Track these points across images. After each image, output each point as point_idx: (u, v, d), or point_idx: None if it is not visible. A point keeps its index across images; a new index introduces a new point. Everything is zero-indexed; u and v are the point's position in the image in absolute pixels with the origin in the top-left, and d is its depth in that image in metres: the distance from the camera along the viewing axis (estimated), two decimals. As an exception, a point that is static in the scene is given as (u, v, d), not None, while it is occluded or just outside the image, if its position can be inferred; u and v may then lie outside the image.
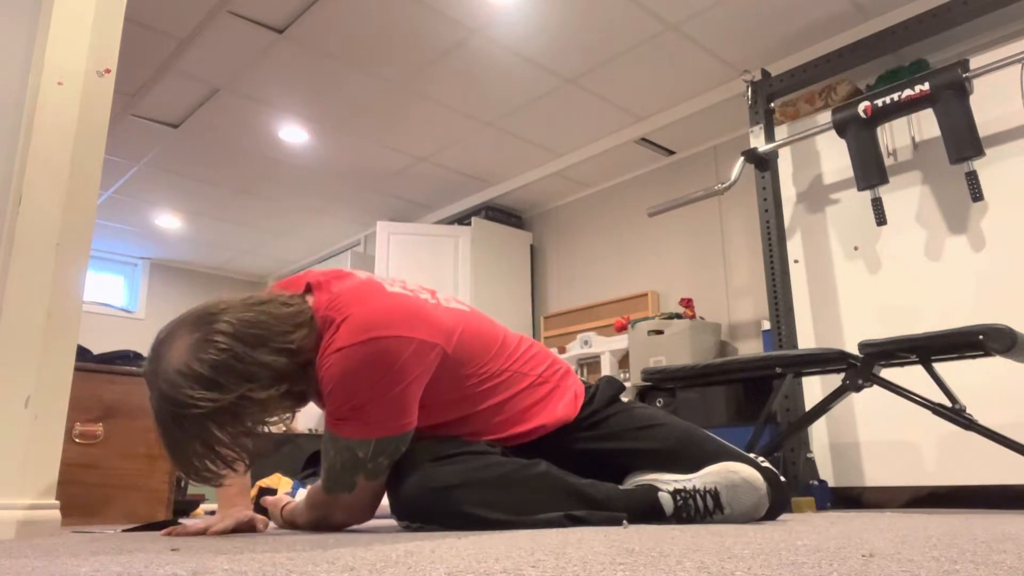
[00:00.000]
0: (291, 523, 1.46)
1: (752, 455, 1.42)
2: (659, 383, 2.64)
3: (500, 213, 5.45)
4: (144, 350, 2.56)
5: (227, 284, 7.38)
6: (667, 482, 1.31)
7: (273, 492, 2.41)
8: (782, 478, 1.41)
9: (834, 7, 3.34)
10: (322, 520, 1.40)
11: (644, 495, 1.31)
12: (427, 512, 1.26)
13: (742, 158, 3.28)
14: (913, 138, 2.94)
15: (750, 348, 4.10)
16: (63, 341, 1.45)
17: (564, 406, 1.46)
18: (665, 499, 1.29)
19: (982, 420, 2.01)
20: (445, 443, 1.33)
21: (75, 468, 2.01)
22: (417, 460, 1.29)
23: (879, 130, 2.91)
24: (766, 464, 1.39)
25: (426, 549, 0.85)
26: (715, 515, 1.27)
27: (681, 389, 3.47)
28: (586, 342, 4.58)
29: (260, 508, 1.59)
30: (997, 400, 2.45)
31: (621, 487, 1.35)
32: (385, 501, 2.39)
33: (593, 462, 1.41)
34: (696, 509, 1.27)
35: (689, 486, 1.29)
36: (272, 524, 1.45)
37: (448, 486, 1.24)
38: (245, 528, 1.34)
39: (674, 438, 1.41)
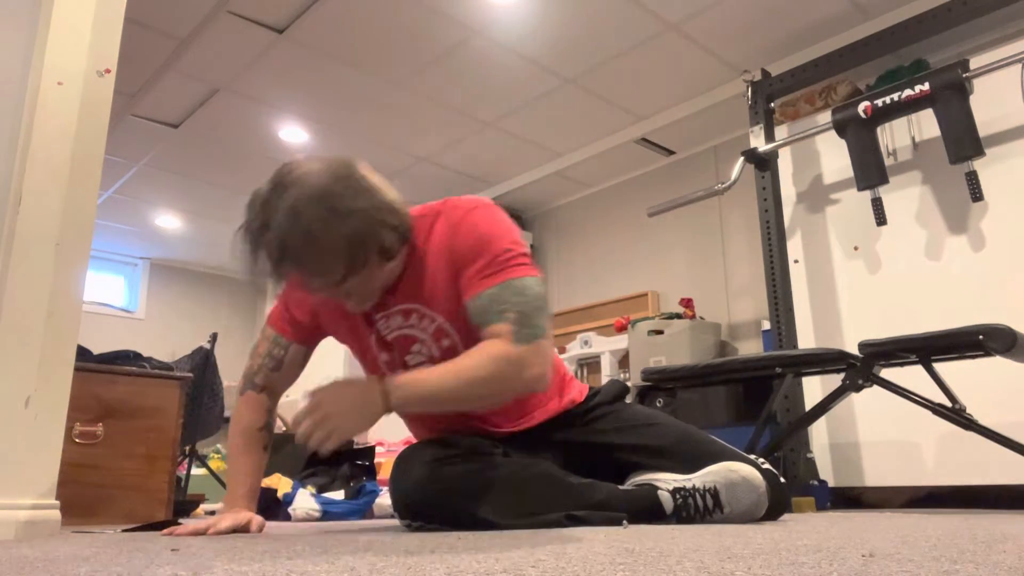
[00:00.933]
0: (412, 395, 1.21)
1: (752, 456, 1.42)
2: (659, 383, 2.64)
3: (500, 213, 5.44)
4: (144, 350, 2.57)
5: (227, 284, 7.38)
6: (667, 481, 1.31)
7: (273, 492, 2.42)
8: (782, 479, 1.41)
9: (834, 7, 3.33)
10: (506, 376, 1.21)
11: (644, 495, 1.31)
12: (429, 511, 1.27)
13: (742, 158, 3.28)
14: (913, 138, 2.94)
15: (750, 348, 4.10)
16: (63, 341, 1.45)
17: (572, 392, 1.50)
18: (665, 498, 1.29)
19: (982, 420, 2.01)
20: (450, 443, 1.34)
21: (75, 468, 2.01)
22: (421, 459, 1.29)
23: (879, 130, 2.91)
24: (766, 466, 1.39)
25: (426, 549, 0.85)
26: (714, 514, 1.27)
27: (681, 389, 3.46)
28: (586, 342, 4.58)
29: (261, 509, 1.59)
30: (997, 400, 2.45)
31: (621, 487, 1.35)
32: (386, 500, 2.39)
33: (594, 455, 1.42)
34: (696, 508, 1.27)
35: (689, 485, 1.29)
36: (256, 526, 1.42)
37: (451, 488, 1.25)
38: (242, 529, 1.34)
39: (674, 436, 1.42)
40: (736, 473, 1.28)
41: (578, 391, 1.53)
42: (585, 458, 1.42)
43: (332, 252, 1.16)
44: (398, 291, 1.35)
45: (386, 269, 1.28)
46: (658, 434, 1.43)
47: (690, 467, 1.33)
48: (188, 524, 1.34)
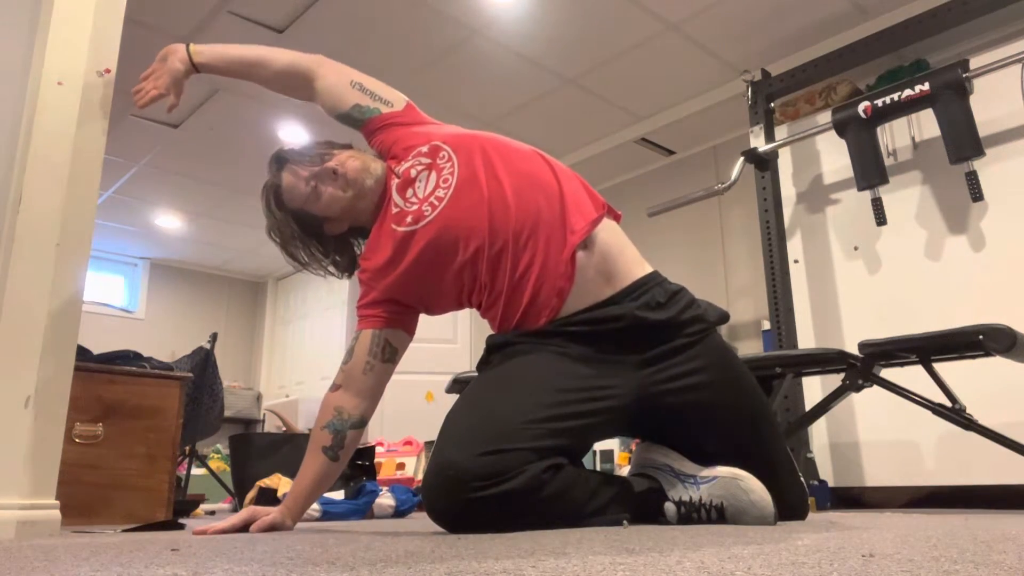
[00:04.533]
0: (211, 52, 1.70)
1: (794, 467, 1.40)
2: (659, 383, 2.63)
3: (500, 213, 5.44)
4: (144, 350, 2.57)
5: (227, 284, 7.38)
6: (676, 489, 1.31)
7: (273, 492, 2.42)
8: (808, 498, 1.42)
9: (834, 7, 3.34)
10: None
11: (651, 503, 1.31)
12: (459, 530, 1.24)
13: (742, 158, 3.28)
14: (913, 138, 2.94)
15: (750, 348, 4.09)
16: (63, 341, 1.45)
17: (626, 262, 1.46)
18: (670, 509, 1.29)
19: (982, 420, 2.01)
20: (497, 460, 1.21)
21: (75, 468, 2.01)
22: (460, 487, 1.20)
23: (879, 130, 2.91)
24: (801, 479, 1.39)
25: (426, 549, 0.85)
26: (717, 525, 1.28)
27: (681, 389, 3.46)
28: (586, 342, 4.58)
29: (262, 503, 1.59)
30: (997, 400, 2.45)
31: (633, 487, 1.33)
32: (386, 500, 2.39)
33: (656, 415, 1.36)
34: (699, 520, 1.27)
35: (696, 497, 1.28)
36: (266, 523, 1.41)
37: (484, 521, 1.20)
38: (270, 528, 1.36)
39: (753, 415, 1.36)
40: (746, 496, 1.25)
41: (636, 265, 1.45)
42: (638, 410, 1.35)
43: (307, 145, 1.68)
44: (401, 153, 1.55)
45: (365, 155, 1.58)
46: (720, 422, 1.35)
47: (719, 463, 1.30)
48: (215, 524, 1.34)
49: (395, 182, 1.49)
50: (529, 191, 1.41)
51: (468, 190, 1.41)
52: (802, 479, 1.40)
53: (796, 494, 1.38)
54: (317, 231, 1.56)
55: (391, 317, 1.48)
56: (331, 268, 1.60)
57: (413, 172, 1.47)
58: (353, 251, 1.61)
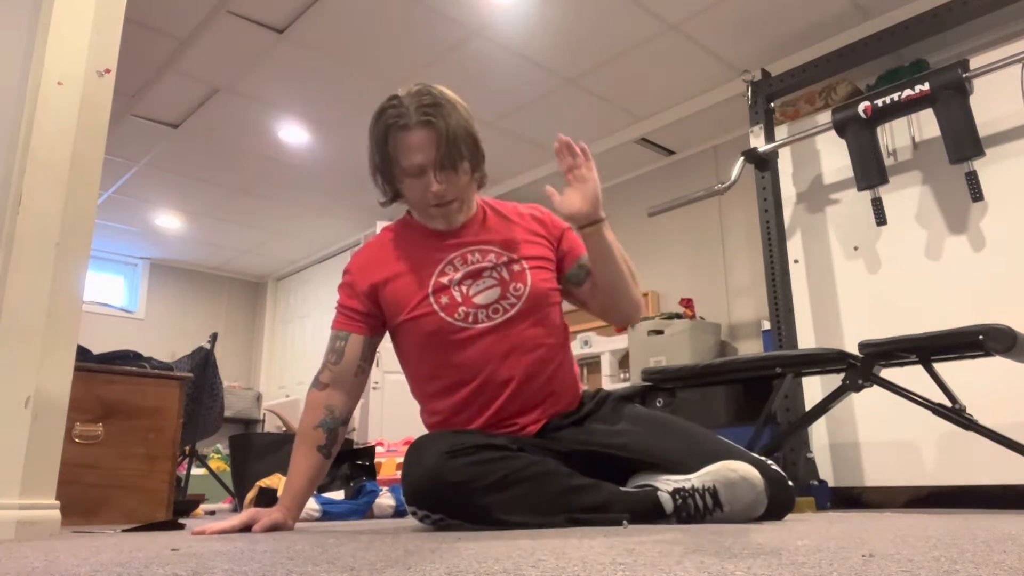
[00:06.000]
0: (607, 233, 1.54)
1: (755, 455, 1.42)
2: (659, 383, 2.64)
3: (500, 213, 5.44)
4: (144, 350, 2.57)
5: (227, 284, 7.38)
6: (667, 482, 1.32)
7: (273, 492, 2.42)
8: (789, 482, 1.41)
9: (834, 7, 3.34)
10: (635, 285, 1.69)
11: (644, 496, 1.32)
12: (438, 503, 1.31)
13: (742, 158, 3.27)
14: (913, 138, 2.94)
15: (750, 348, 4.09)
16: (63, 341, 1.45)
17: (577, 393, 1.60)
18: (665, 499, 1.30)
19: (982, 420, 2.01)
20: (464, 435, 1.38)
21: (75, 468, 2.01)
22: (434, 450, 1.33)
23: (879, 130, 2.91)
24: (775, 466, 1.39)
25: (426, 549, 0.85)
26: (714, 512, 1.28)
27: (681, 389, 3.46)
28: (586, 342, 4.58)
29: (262, 503, 1.59)
30: (997, 400, 2.44)
31: (622, 488, 1.35)
32: (386, 500, 2.39)
33: (597, 458, 1.43)
34: (696, 508, 1.28)
35: (688, 485, 1.30)
36: (268, 523, 1.41)
37: (461, 481, 1.28)
38: (272, 528, 1.38)
39: (676, 438, 1.44)
40: (735, 472, 1.29)
41: (577, 393, 1.60)
42: (588, 461, 1.43)
43: (465, 131, 1.49)
44: (480, 233, 1.57)
45: (471, 191, 1.55)
46: (659, 436, 1.44)
47: (691, 467, 1.33)
48: (214, 524, 1.34)
49: (471, 259, 1.53)
50: (534, 375, 1.50)
51: (502, 335, 1.48)
52: (776, 467, 1.40)
53: (770, 478, 1.36)
54: (391, 173, 1.54)
55: (376, 325, 1.58)
56: (380, 195, 1.62)
57: (485, 272, 1.52)
58: (397, 197, 1.61)
